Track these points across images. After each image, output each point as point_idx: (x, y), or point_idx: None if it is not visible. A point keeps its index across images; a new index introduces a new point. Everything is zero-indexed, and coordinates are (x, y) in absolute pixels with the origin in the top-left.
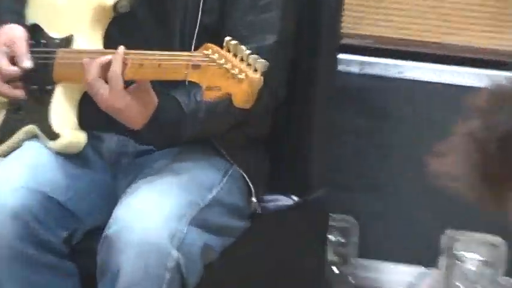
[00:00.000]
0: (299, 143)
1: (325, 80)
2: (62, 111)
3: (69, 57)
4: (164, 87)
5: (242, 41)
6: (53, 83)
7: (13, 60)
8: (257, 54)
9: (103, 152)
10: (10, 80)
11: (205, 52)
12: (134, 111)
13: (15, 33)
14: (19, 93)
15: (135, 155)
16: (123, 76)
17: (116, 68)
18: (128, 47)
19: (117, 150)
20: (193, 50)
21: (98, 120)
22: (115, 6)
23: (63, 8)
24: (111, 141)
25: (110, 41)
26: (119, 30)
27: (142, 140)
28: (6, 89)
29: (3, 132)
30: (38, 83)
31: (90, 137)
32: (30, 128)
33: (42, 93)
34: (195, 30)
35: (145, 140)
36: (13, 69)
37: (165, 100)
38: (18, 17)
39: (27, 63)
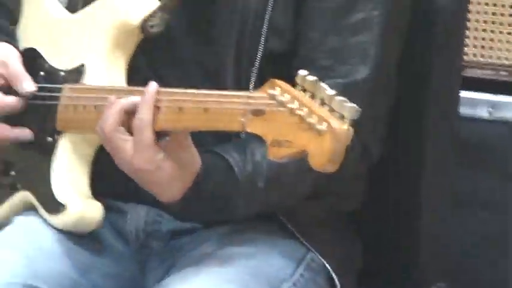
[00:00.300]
0: (404, 217)
1: (441, 130)
2: (69, 173)
3: (79, 97)
4: (207, 141)
5: (322, 74)
6: (56, 133)
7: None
8: (343, 93)
9: (125, 231)
10: (9, 115)
11: (271, 92)
12: (168, 175)
13: (4, 53)
14: (23, 132)
15: (170, 235)
16: (155, 125)
17: (145, 114)
18: (160, 83)
19: (146, 229)
20: (253, 87)
21: (118, 185)
22: (144, 25)
23: (71, 26)
24: (137, 215)
25: (136, 74)
26: (149, 59)
27: (180, 214)
28: (4, 128)
29: None
30: (34, 133)
31: (108, 210)
32: (24, 196)
33: (40, 147)
34: (255, 59)
35: (182, 215)
36: (9, 100)
37: (209, 160)
38: (6, 36)
39: (29, 85)
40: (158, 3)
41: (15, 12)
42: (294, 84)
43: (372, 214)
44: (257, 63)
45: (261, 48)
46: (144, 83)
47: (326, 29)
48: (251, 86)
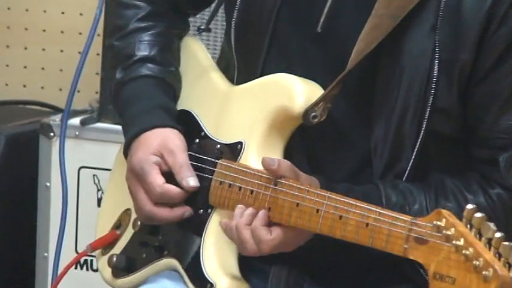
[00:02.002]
0: None
1: None
2: (220, 250)
3: (235, 177)
4: None
5: (498, 153)
6: (209, 207)
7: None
8: None
9: None
10: (164, 202)
11: (436, 223)
12: (293, 242)
13: (173, 141)
14: (181, 211)
15: None
16: (312, 227)
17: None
18: (314, 166)
19: None
20: (411, 166)
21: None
22: (306, 114)
23: (233, 99)
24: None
25: (292, 158)
26: (304, 141)
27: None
28: (163, 212)
29: (128, 259)
30: (187, 204)
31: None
32: (170, 263)
33: (191, 217)
34: (416, 139)
35: None
36: (174, 190)
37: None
38: (172, 119)
39: (193, 181)
40: (321, 92)
41: (179, 92)
42: (460, 217)
43: None
44: (418, 144)
45: (423, 128)
46: (297, 165)
47: (499, 111)
48: (410, 164)
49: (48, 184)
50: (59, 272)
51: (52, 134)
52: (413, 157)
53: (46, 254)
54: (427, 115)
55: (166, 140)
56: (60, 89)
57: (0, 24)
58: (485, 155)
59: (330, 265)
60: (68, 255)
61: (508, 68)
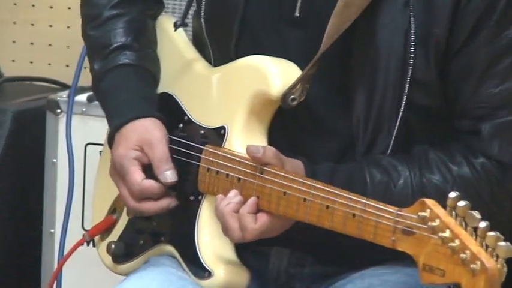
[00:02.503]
0: None
1: None
2: (214, 236)
3: (221, 164)
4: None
5: (478, 125)
6: (199, 194)
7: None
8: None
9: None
10: (148, 197)
11: (421, 214)
12: (278, 228)
13: (152, 133)
14: (166, 203)
15: (312, 279)
16: (298, 216)
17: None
18: (293, 150)
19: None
20: (392, 149)
21: None
22: (285, 97)
23: (212, 82)
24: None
25: (274, 143)
26: (282, 125)
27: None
28: (147, 206)
29: (126, 246)
30: (176, 190)
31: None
32: (169, 250)
33: (183, 204)
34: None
35: None
36: (153, 186)
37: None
38: (152, 106)
39: (172, 176)
40: (297, 71)
41: (159, 75)
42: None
43: None
44: (400, 118)
45: (403, 102)
46: (280, 150)
47: (477, 82)
48: (393, 139)
49: (54, 160)
50: (66, 248)
51: (59, 111)
52: (395, 132)
53: (52, 231)
54: (406, 88)
55: (145, 132)
56: (67, 66)
57: (7, 1)
58: (467, 126)
59: (331, 244)
60: (74, 232)
61: (482, 40)
